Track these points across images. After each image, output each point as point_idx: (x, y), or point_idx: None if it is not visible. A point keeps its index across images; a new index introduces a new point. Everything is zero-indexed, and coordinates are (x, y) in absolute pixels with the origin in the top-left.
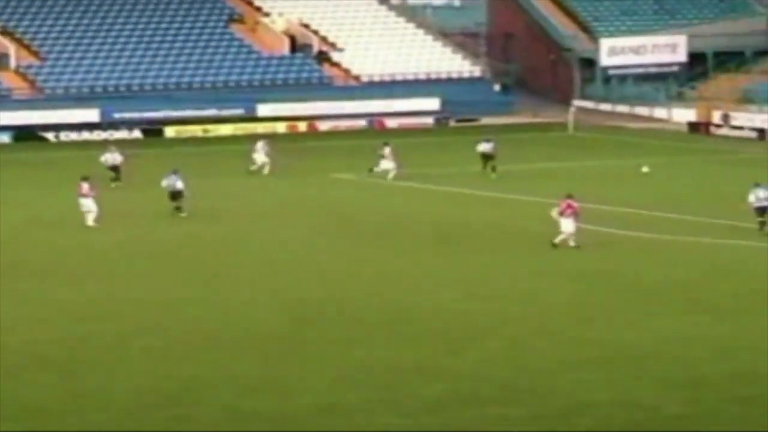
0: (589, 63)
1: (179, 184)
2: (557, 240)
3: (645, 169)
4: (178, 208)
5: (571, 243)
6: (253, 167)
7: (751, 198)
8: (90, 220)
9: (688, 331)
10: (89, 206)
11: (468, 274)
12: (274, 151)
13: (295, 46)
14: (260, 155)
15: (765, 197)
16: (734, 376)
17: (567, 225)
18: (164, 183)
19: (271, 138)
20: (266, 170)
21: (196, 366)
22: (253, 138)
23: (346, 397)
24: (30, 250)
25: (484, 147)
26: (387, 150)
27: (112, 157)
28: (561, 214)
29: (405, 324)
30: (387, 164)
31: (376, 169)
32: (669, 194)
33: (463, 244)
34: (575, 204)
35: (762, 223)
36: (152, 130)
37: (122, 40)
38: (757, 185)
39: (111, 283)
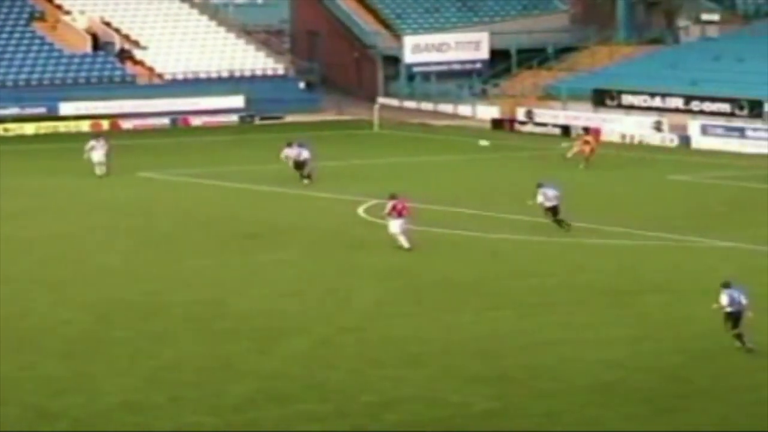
0: (394, 60)
1: (305, 154)
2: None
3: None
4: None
5: (402, 243)
6: (99, 172)
7: (540, 199)
8: None
9: (493, 327)
10: None
11: (276, 273)
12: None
13: (97, 44)
14: (97, 153)
15: (554, 196)
16: (538, 371)
17: (392, 226)
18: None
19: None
20: (100, 171)
21: (2, 366)
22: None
23: (154, 396)
24: None
25: (292, 153)
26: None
27: None
28: (388, 214)
29: (213, 322)
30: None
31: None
32: (472, 191)
33: (270, 242)
34: (402, 204)
35: (558, 222)
36: None
37: None
38: (541, 185)
39: None
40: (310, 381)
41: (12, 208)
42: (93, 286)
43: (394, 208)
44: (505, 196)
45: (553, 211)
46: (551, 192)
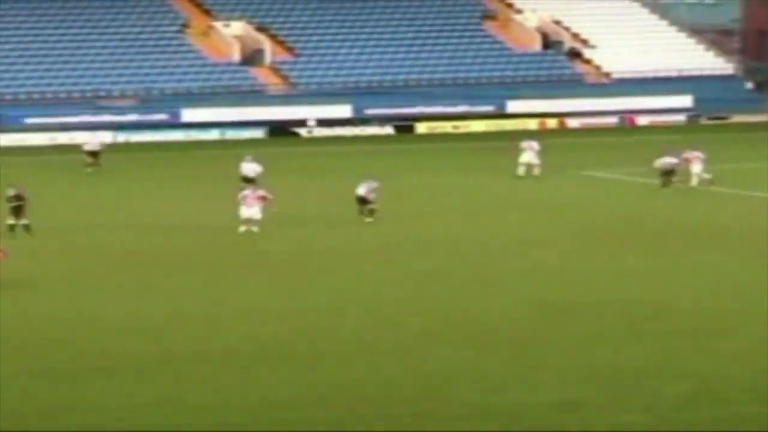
0: None
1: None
2: None
3: None
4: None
5: None
6: (520, 171)
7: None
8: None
9: None
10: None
11: (712, 273)
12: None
13: (547, 42)
14: (529, 155)
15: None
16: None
17: None
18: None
19: (538, 135)
20: (536, 171)
21: (439, 362)
22: (506, 135)
23: (592, 395)
24: (270, 244)
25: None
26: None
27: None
28: None
29: (649, 322)
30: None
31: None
32: None
33: (704, 242)
34: None
35: None
36: (404, 126)
37: (375, 36)
38: None
39: (350, 278)
40: (748, 383)
41: (460, 204)
42: (530, 283)
43: None
44: None
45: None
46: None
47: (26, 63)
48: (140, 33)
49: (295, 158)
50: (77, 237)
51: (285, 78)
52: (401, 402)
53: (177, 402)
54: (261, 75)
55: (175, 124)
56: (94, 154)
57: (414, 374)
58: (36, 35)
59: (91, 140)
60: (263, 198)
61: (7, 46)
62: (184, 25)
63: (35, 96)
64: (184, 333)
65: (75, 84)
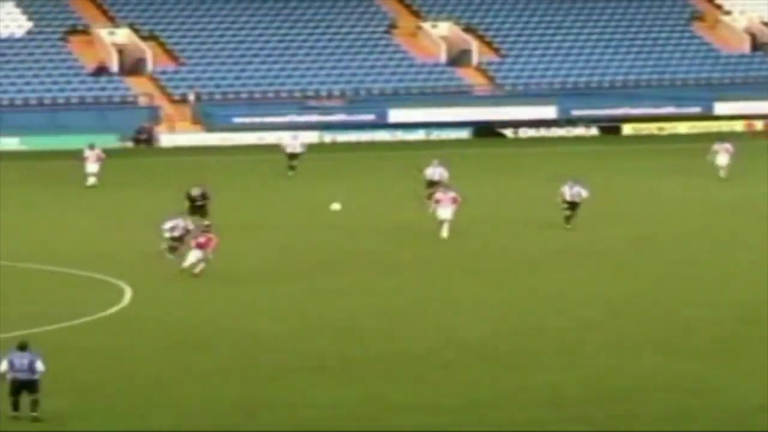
0: None
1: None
2: None
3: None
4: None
5: None
6: (722, 172)
7: None
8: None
9: None
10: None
11: None
12: (735, 152)
13: (755, 44)
14: (722, 157)
15: None
16: None
17: None
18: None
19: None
20: (723, 174)
21: (640, 363)
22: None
23: None
24: (480, 246)
25: None
26: None
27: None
28: None
29: None
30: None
31: None
32: None
33: None
34: None
35: None
36: (609, 127)
37: (582, 37)
38: None
39: (553, 280)
40: None
41: (655, 205)
42: (734, 285)
43: None
44: None
45: None
46: None
47: (236, 63)
48: (348, 33)
49: (500, 159)
50: (279, 235)
51: (491, 79)
52: (599, 403)
53: (380, 401)
54: (467, 75)
55: (382, 125)
56: (293, 156)
57: (613, 376)
58: (246, 35)
59: (291, 142)
60: (455, 200)
61: (217, 47)
62: (392, 26)
63: (243, 96)
64: (387, 332)
65: (283, 84)
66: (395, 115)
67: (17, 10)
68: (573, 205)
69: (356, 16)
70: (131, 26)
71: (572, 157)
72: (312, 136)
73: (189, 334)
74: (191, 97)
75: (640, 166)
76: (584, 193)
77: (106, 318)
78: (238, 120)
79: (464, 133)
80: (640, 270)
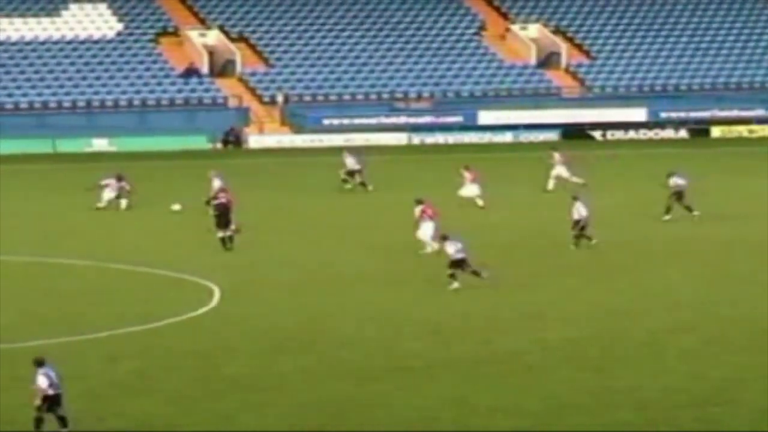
0: None
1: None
2: None
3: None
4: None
5: None
6: None
7: None
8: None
9: None
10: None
11: None
12: None
13: None
14: None
15: None
16: None
17: None
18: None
19: None
20: None
21: (728, 367)
22: None
23: None
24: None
25: None
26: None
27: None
28: None
29: None
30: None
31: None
32: None
33: None
34: None
35: None
36: (698, 130)
37: (672, 39)
38: None
39: (644, 282)
40: None
41: (748, 207)
42: None
43: None
44: None
45: None
46: None
47: (325, 64)
48: (437, 35)
49: (588, 161)
50: (367, 236)
51: (581, 81)
52: (686, 407)
53: (464, 403)
54: (557, 77)
55: (471, 126)
56: (351, 173)
57: (701, 379)
58: (335, 37)
59: (349, 159)
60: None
61: (306, 48)
62: (481, 28)
63: (332, 97)
64: (471, 335)
65: (372, 86)
66: (484, 117)
67: (108, 12)
68: (577, 224)
69: (445, 18)
70: (221, 28)
71: (661, 159)
72: (400, 138)
73: (276, 335)
74: (280, 98)
75: (730, 169)
76: (584, 212)
77: (194, 319)
78: (326, 121)
79: (553, 135)
80: (730, 271)
